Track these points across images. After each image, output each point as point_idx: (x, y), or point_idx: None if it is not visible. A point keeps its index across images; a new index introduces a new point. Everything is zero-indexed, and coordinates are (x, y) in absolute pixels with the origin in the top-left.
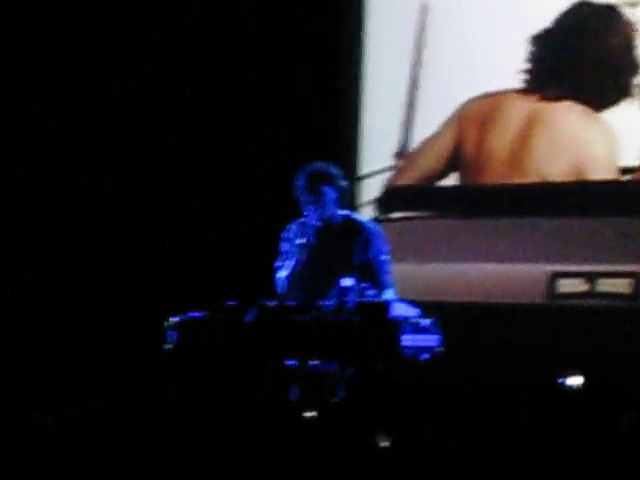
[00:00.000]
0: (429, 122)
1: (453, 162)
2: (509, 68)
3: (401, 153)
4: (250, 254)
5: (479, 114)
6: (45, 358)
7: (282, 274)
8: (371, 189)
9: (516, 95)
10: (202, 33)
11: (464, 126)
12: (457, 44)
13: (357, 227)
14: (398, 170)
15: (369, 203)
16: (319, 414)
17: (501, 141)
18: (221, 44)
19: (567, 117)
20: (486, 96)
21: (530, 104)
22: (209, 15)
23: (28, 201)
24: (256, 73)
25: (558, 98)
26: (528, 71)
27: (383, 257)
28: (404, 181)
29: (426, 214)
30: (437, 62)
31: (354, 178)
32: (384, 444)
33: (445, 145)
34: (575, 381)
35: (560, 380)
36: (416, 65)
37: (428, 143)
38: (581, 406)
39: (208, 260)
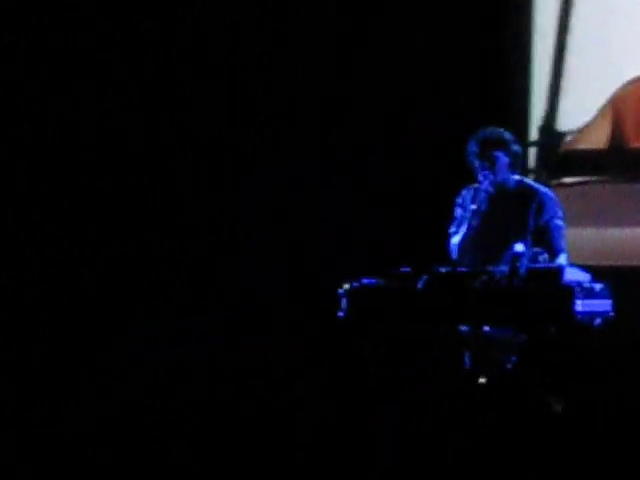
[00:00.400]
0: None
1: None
2: None
3: (546, 128)
4: (422, 220)
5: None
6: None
7: (455, 240)
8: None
9: None
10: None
11: (621, 111)
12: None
13: (531, 192)
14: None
15: (540, 169)
16: (492, 380)
17: None
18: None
19: None
20: None
21: None
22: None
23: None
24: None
25: None
26: None
27: (557, 222)
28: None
29: (598, 178)
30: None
31: (526, 143)
32: (557, 409)
33: (601, 134)
34: None
35: None
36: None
37: (582, 133)
38: None
39: (380, 226)
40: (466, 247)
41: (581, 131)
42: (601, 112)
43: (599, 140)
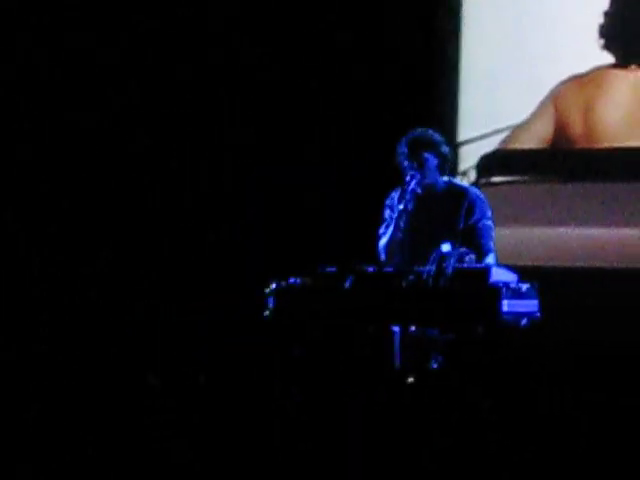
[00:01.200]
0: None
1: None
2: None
3: None
4: (351, 220)
5: (580, 94)
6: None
7: (382, 242)
8: (470, 155)
9: (614, 71)
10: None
11: (563, 108)
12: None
13: (461, 193)
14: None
15: (469, 169)
16: (418, 379)
17: (611, 117)
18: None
19: None
20: (581, 76)
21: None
22: None
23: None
24: (348, 37)
25: None
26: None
27: (486, 222)
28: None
29: (526, 178)
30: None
31: (455, 145)
32: (484, 406)
33: (541, 131)
34: None
35: None
36: None
37: (521, 130)
38: None
39: (309, 226)
40: (393, 248)
41: (518, 128)
42: (539, 110)
43: (536, 137)
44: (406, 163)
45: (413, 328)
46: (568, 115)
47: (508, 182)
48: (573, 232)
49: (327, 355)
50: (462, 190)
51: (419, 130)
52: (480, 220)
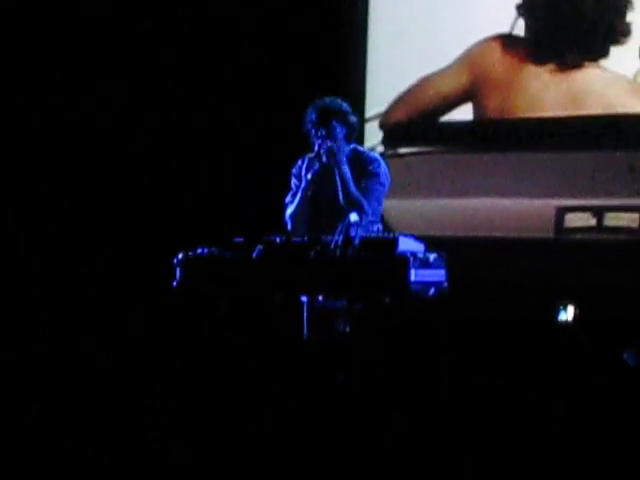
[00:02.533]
0: None
1: (463, 100)
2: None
3: None
4: (259, 189)
5: (499, 72)
6: None
7: (289, 211)
8: (377, 130)
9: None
10: None
11: (481, 73)
12: None
13: (364, 159)
14: (397, 104)
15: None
16: (326, 348)
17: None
18: None
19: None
20: (502, 47)
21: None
22: None
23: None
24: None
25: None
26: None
27: (378, 187)
28: (402, 115)
29: (432, 149)
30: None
31: (362, 119)
32: None
33: (456, 84)
34: (567, 315)
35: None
36: None
37: (433, 80)
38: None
39: (216, 196)
40: (300, 217)
41: (426, 81)
42: (453, 65)
43: (444, 91)
44: (314, 131)
45: (321, 298)
46: (483, 78)
47: (414, 153)
48: (480, 202)
49: (235, 326)
50: (367, 160)
51: (328, 99)
52: (374, 183)
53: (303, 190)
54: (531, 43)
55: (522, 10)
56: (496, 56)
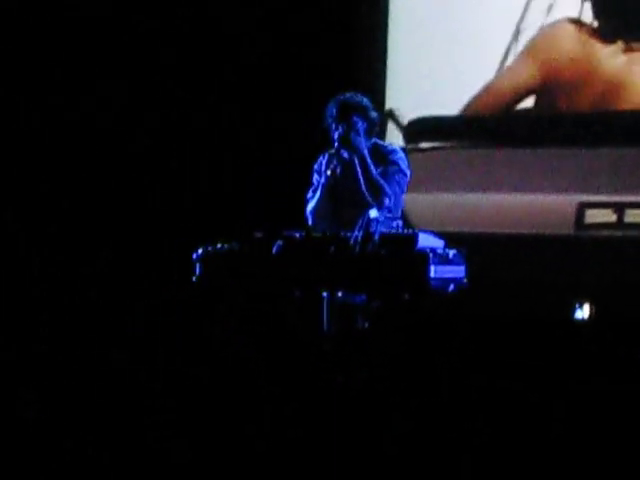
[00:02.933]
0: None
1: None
2: None
3: None
4: (281, 184)
5: (567, 63)
6: None
7: (310, 207)
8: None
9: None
10: None
11: (549, 65)
12: None
13: (385, 153)
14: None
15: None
16: (345, 344)
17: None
18: None
19: None
20: (567, 35)
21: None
22: None
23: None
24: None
25: None
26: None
27: (399, 173)
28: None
29: (453, 144)
30: None
31: (384, 111)
32: None
33: (521, 81)
34: (584, 313)
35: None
36: None
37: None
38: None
39: (236, 191)
40: (321, 212)
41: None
42: (521, 58)
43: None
44: (334, 126)
45: (340, 294)
46: (551, 71)
47: (436, 148)
48: (499, 198)
49: (255, 320)
50: (387, 151)
51: (348, 94)
52: (390, 167)
53: (323, 185)
54: (599, 26)
55: None
56: (563, 45)
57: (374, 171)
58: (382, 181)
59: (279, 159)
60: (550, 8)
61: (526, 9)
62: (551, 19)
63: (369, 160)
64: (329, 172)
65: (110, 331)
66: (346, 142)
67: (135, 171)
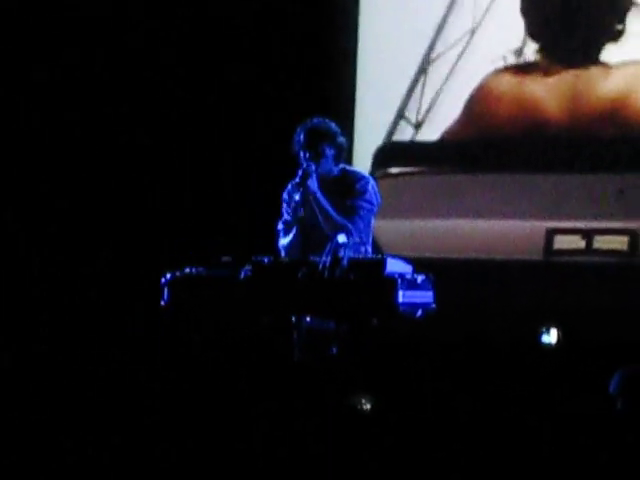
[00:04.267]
0: None
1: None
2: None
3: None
4: (248, 209)
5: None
6: None
7: (284, 242)
8: (367, 146)
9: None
10: None
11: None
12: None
13: (352, 178)
14: None
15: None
16: (314, 369)
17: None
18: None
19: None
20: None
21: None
22: None
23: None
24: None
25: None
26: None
27: (361, 203)
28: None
29: (422, 169)
30: None
31: (351, 139)
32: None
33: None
34: (551, 338)
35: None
36: None
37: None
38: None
39: (204, 216)
40: (294, 250)
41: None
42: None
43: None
44: (302, 153)
45: (309, 319)
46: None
47: (403, 174)
48: (468, 224)
49: (223, 346)
50: (355, 178)
51: (316, 120)
52: (360, 201)
53: (293, 212)
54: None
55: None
56: (498, 90)
57: (330, 211)
58: (344, 222)
59: (246, 184)
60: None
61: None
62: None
63: (324, 202)
64: (297, 198)
65: (94, 351)
66: (303, 183)
67: (104, 195)
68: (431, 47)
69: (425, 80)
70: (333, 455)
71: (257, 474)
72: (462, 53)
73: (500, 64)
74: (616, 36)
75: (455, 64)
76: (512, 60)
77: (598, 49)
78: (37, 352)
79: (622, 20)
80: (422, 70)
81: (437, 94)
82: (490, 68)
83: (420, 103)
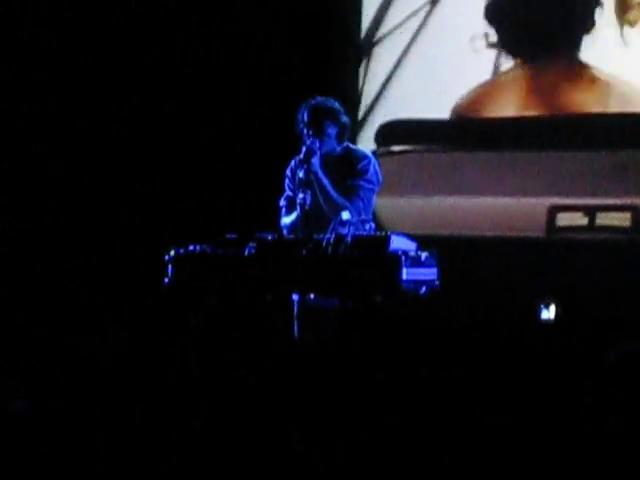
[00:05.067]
0: None
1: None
2: None
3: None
4: (251, 186)
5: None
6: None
7: (286, 220)
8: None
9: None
10: None
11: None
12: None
13: (355, 157)
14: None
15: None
16: (318, 347)
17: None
18: None
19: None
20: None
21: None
22: None
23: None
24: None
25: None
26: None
27: (367, 184)
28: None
29: (424, 147)
30: None
31: (355, 119)
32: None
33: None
34: (550, 313)
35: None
36: None
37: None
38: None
39: (208, 193)
40: (296, 228)
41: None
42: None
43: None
44: (305, 130)
45: (312, 296)
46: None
47: (406, 151)
48: (470, 201)
49: (226, 323)
50: (357, 156)
51: (319, 98)
52: (360, 179)
53: (298, 200)
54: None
55: (490, 20)
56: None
57: (331, 191)
58: (343, 202)
59: (250, 161)
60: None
61: None
62: None
63: (325, 181)
64: (301, 175)
65: (97, 329)
66: (307, 160)
67: (108, 173)
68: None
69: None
70: (335, 439)
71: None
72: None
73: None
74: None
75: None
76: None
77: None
78: (37, 335)
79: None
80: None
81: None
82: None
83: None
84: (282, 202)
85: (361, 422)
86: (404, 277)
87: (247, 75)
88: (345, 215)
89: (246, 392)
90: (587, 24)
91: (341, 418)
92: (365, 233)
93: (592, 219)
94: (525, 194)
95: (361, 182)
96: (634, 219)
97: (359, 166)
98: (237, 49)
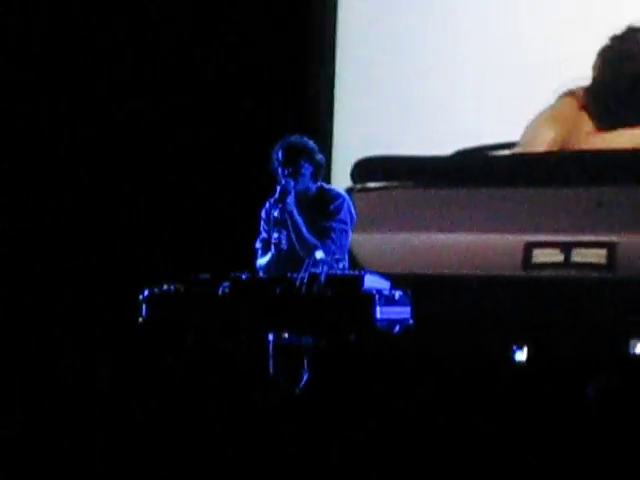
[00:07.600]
0: None
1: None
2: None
3: None
4: (226, 226)
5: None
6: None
7: (262, 261)
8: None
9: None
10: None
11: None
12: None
13: (328, 197)
14: None
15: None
16: (292, 386)
17: None
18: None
19: None
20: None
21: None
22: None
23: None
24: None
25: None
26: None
27: (339, 225)
28: None
29: (401, 184)
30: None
31: (330, 157)
32: None
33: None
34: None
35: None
36: None
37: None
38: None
39: (183, 233)
40: (271, 264)
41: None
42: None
43: None
44: (280, 170)
45: (286, 335)
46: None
47: (382, 188)
48: (446, 239)
49: (201, 363)
50: (331, 196)
51: (294, 137)
52: (334, 221)
53: (273, 240)
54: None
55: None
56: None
57: (303, 231)
58: (312, 240)
59: (224, 201)
60: None
61: None
62: None
63: (299, 221)
64: (276, 214)
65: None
66: (282, 199)
67: (87, 206)
68: None
69: None
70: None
71: None
72: None
73: None
74: None
75: None
76: None
77: None
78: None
79: None
80: None
81: None
82: None
83: None
84: (257, 244)
85: (334, 460)
86: (378, 316)
87: (221, 115)
88: (319, 254)
89: (221, 430)
90: None
91: (314, 456)
92: (339, 272)
93: (568, 255)
94: (501, 231)
95: (333, 224)
96: (609, 255)
97: (332, 206)
98: (210, 86)
